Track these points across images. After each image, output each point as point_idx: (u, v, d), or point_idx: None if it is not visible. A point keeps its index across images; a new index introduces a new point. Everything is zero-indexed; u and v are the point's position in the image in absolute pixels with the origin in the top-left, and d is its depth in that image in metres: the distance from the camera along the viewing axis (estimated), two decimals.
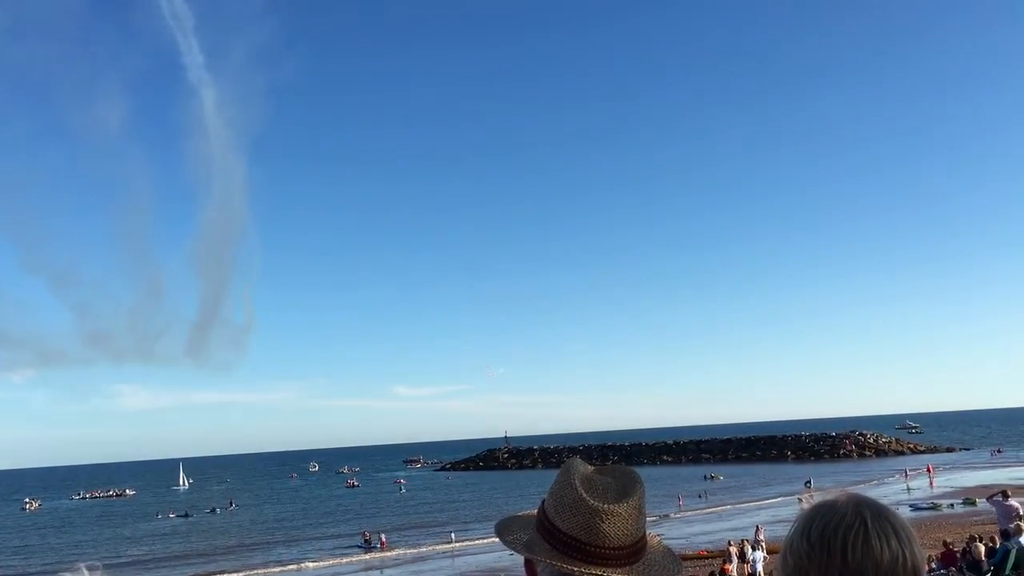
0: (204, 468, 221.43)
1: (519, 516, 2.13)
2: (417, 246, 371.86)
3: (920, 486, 67.39)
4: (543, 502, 2.04)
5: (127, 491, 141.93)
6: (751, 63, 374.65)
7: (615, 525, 1.91)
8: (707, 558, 37.10)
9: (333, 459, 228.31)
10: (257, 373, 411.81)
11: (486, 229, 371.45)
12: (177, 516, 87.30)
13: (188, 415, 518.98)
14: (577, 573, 1.90)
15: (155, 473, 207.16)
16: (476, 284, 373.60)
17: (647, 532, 2.06)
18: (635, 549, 1.95)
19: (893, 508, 1.55)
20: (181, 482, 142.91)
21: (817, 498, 1.59)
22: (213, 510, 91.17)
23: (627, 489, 1.97)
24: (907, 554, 1.46)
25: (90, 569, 1.92)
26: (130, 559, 54.96)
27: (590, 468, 2.05)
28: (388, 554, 50.32)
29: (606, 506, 1.91)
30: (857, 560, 1.44)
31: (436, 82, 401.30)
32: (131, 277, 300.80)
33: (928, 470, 73.74)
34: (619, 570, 1.91)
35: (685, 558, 38.74)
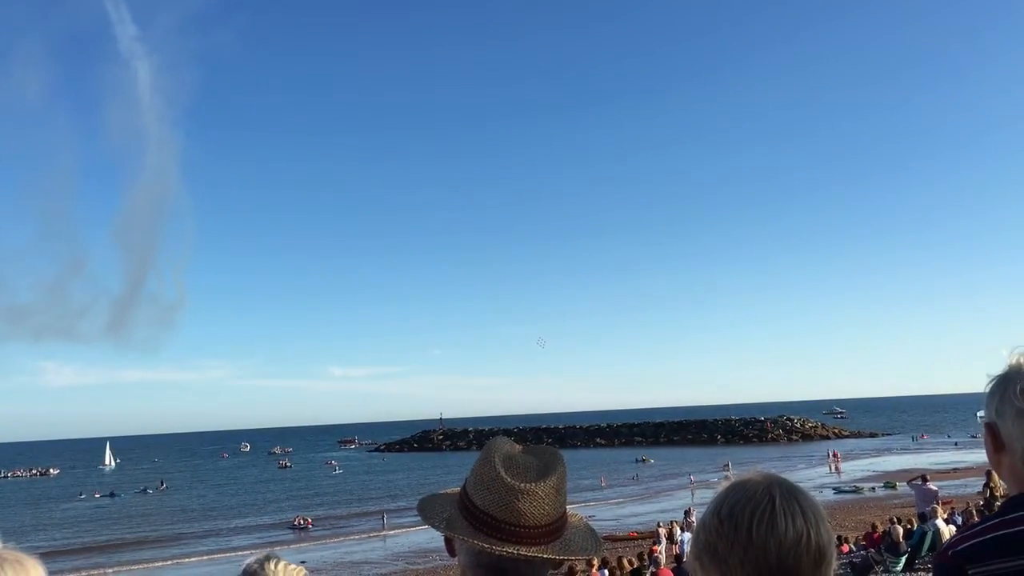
0: (132, 447, 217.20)
1: (442, 494, 2.10)
2: (355, 225, 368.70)
3: (834, 469, 69.37)
4: (465, 480, 2.02)
5: (51, 470, 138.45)
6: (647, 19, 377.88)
7: (532, 504, 1.89)
8: (637, 539, 37.60)
9: (265, 439, 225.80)
10: (188, 351, 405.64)
11: (425, 211, 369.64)
12: (103, 496, 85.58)
13: (115, 393, 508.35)
14: (493, 550, 1.88)
15: (80, 452, 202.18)
16: (414, 265, 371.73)
17: (568, 511, 2.05)
18: (553, 528, 1.93)
19: (806, 489, 1.56)
20: (107, 461, 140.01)
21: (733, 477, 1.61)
22: (144, 490, 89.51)
23: (547, 469, 1.95)
24: (812, 533, 1.48)
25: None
26: (50, 546, 53.27)
27: (515, 448, 2.02)
28: (318, 537, 50.02)
29: (523, 485, 1.90)
30: (761, 537, 1.47)
31: (380, 50, 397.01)
32: (53, 251, 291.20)
33: (834, 456, 75.69)
34: (535, 548, 1.89)
35: (615, 539, 39.25)
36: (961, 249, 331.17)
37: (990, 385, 1.96)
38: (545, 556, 1.89)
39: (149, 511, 69.39)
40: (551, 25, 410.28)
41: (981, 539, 1.85)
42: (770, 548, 1.46)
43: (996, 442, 1.95)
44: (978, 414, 2.13)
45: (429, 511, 2.04)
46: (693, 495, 52.93)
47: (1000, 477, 2.02)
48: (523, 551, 1.88)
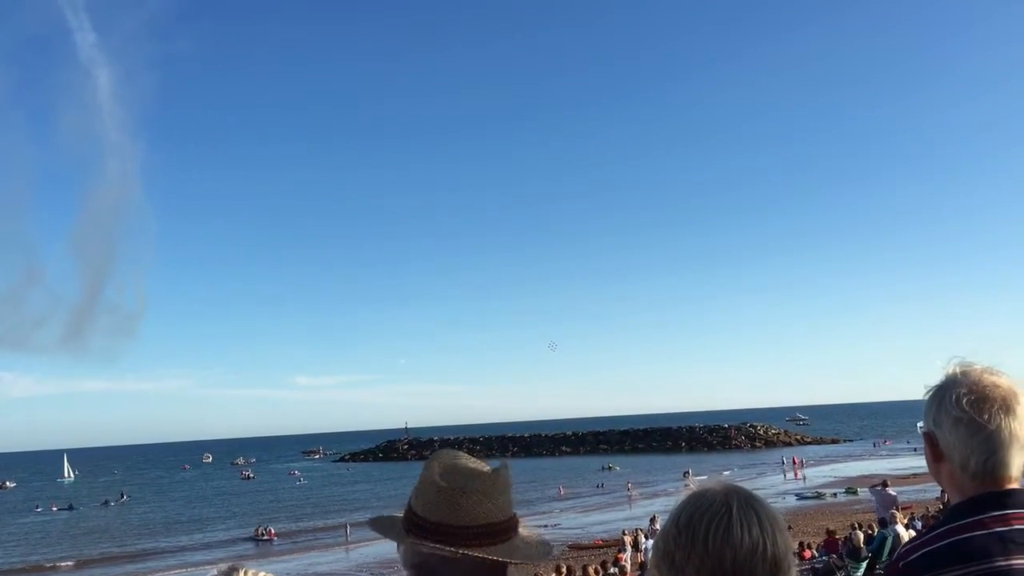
0: (92, 459, 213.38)
1: (396, 516, 2.10)
2: (319, 235, 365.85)
3: (800, 475, 70.09)
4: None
5: (7, 483, 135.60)
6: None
7: (457, 504, 1.91)
8: (603, 547, 37.68)
9: (228, 450, 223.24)
10: (150, 361, 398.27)
11: (390, 220, 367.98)
12: (61, 509, 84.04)
13: (74, 403, 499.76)
14: (422, 548, 1.90)
15: (38, 464, 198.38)
16: (379, 275, 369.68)
17: (524, 527, 2.05)
18: (491, 531, 1.92)
19: (765, 498, 1.58)
20: (66, 473, 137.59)
21: (695, 486, 1.63)
22: (105, 503, 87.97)
23: (484, 475, 1.96)
24: (767, 543, 1.49)
25: None
26: (7, 563, 52.14)
27: (461, 458, 2.04)
28: (282, 550, 49.52)
29: (455, 487, 1.92)
30: (717, 546, 1.48)
31: (345, 57, 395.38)
32: (9, 260, 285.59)
33: (794, 462, 76.37)
34: (476, 550, 1.89)
35: (581, 547, 39.36)
36: (924, 255, 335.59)
37: (927, 395, 1.99)
38: (474, 555, 1.88)
39: (109, 525, 68.16)
40: (523, 28, 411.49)
41: (928, 549, 1.87)
42: (725, 557, 1.47)
43: (935, 451, 1.98)
44: (918, 424, 2.16)
45: (380, 523, 2.07)
46: (683, 488, 53.12)
47: (941, 486, 2.05)
48: (453, 551, 1.88)
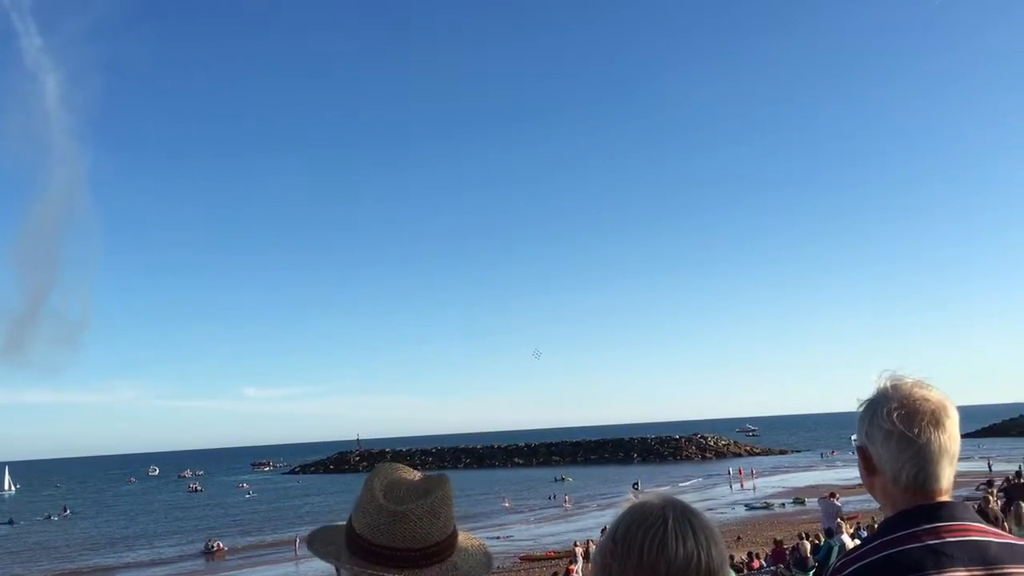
0: (33, 471, 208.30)
1: (333, 526, 2.07)
2: (269, 245, 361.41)
3: (748, 486, 70.85)
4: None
5: None
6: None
7: (407, 527, 1.87)
8: (554, 559, 37.68)
9: (176, 462, 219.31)
10: (95, 372, 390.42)
11: (339, 229, 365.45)
12: (0, 524, 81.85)
13: (16, 415, 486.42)
14: (368, 575, 1.86)
15: None
16: (330, 285, 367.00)
17: (467, 535, 2.03)
18: (431, 552, 1.89)
19: (701, 510, 1.58)
20: (6, 486, 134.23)
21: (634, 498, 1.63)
22: (48, 517, 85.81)
23: (426, 492, 1.92)
24: (701, 555, 1.50)
25: None
26: None
27: (401, 472, 2.00)
28: (230, 566, 48.73)
29: (398, 508, 1.87)
30: (651, 559, 1.49)
31: (295, 62, 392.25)
32: None
33: (740, 472, 77.18)
34: (416, 571, 1.86)
35: (532, 559, 39.34)
36: (873, 265, 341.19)
37: (860, 409, 2.01)
38: None
39: (51, 540, 66.42)
40: (497, 35, 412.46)
41: (862, 563, 1.87)
42: (660, 570, 1.48)
43: (868, 465, 2.00)
44: (852, 437, 2.18)
45: (317, 542, 2.01)
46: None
47: (874, 499, 2.06)
48: (397, 572, 1.85)
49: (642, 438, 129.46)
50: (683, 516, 1.54)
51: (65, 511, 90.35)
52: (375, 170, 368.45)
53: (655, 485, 65.65)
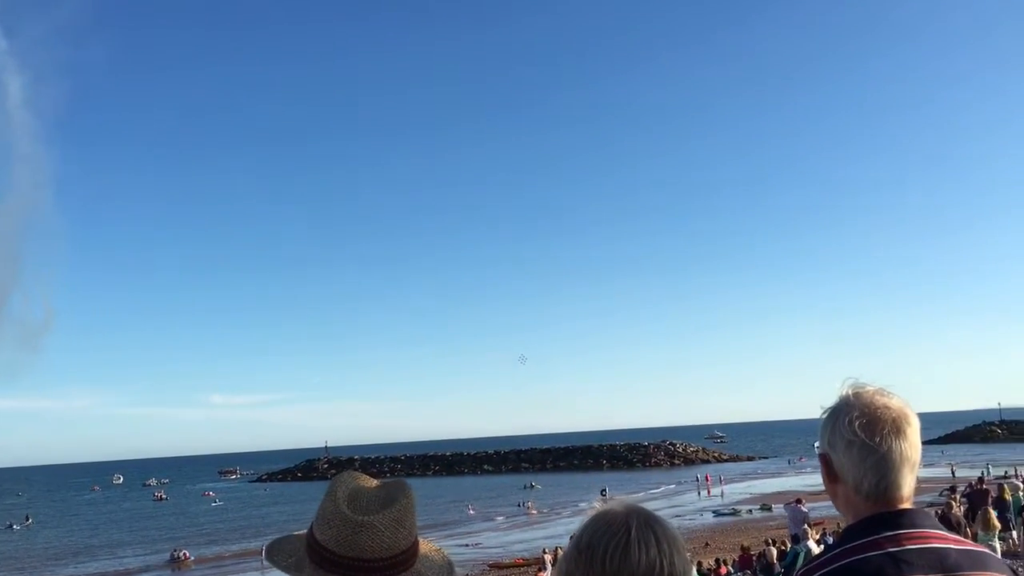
0: None
1: (293, 535, 2.05)
2: (235, 246, 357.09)
3: (715, 492, 71.23)
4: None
5: None
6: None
7: (372, 537, 1.85)
8: (523, 566, 37.69)
9: (140, 470, 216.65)
10: (57, 378, 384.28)
11: (305, 229, 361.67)
12: None
13: None
14: None
15: None
16: (295, 288, 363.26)
17: (430, 544, 2.03)
18: (396, 561, 1.89)
19: (665, 518, 1.60)
20: None
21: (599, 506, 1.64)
22: (9, 526, 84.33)
23: (389, 500, 1.91)
24: (664, 563, 1.51)
25: None
26: None
27: (363, 481, 1.99)
28: (195, 572, 48.23)
29: (362, 518, 1.86)
30: (614, 567, 1.50)
31: (260, 62, 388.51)
32: None
33: (707, 479, 77.62)
34: None
35: (501, 566, 39.29)
36: (835, 270, 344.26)
37: (823, 417, 2.03)
38: None
39: (12, 550, 65.29)
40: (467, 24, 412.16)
41: (824, 571, 1.89)
42: None
43: (830, 472, 2.02)
44: (815, 445, 2.20)
45: (276, 553, 1.99)
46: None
47: (836, 507, 2.08)
48: None
49: (611, 445, 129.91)
50: (646, 524, 1.55)
51: (27, 520, 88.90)
52: (353, 166, 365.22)
53: (625, 492, 65.69)
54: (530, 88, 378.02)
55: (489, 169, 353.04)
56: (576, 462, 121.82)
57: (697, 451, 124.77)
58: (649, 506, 1.66)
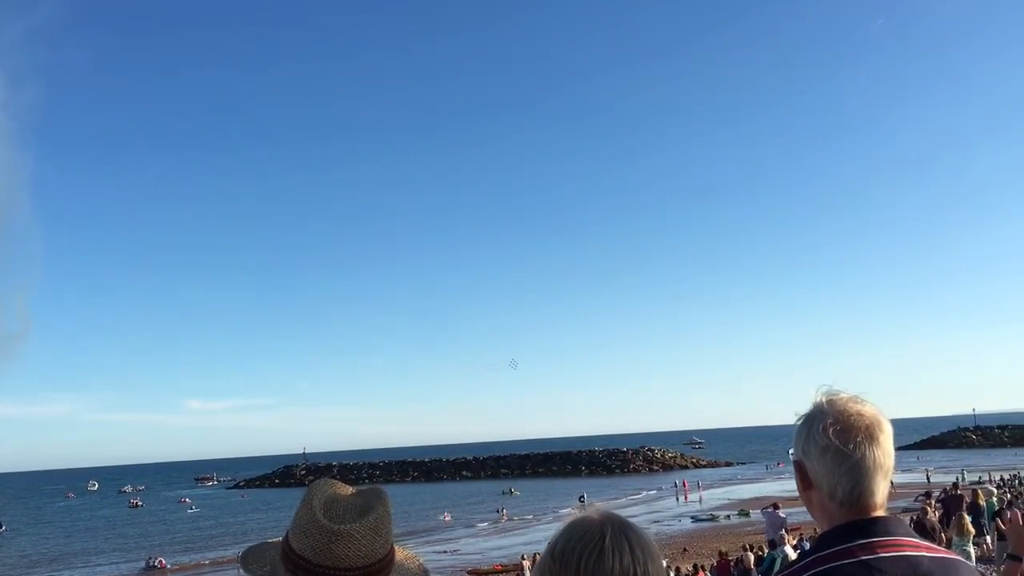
0: None
1: (268, 543, 2.05)
2: (214, 250, 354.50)
3: (693, 498, 71.49)
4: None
5: None
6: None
7: (348, 546, 1.85)
8: (502, 572, 37.65)
9: (116, 477, 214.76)
10: (32, 384, 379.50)
11: (286, 234, 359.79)
12: None
13: None
14: None
15: None
16: (273, 294, 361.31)
17: (404, 552, 2.03)
18: (373, 569, 1.88)
19: (639, 526, 1.60)
20: None
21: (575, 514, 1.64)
22: None
23: (365, 509, 1.91)
24: (638, 570, 1.51)
25: None
26: None
27: (339, 489, 1.98)
28: None
29: (338, 527, 1.85)
30: (588, 574, 1.51)
31: (244, 63, 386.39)
32: None
33: (684, 485, 77.90)
34: None
35: (480, 573, 39.22)
36: (817, 280, 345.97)
37: (797, 423, 2.04)
38: None
39: None
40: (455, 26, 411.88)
41: None
42: None
43: (804, 479, 2.02)
44: (789, 451, 2.21)
45: (251, 560, 1.98)
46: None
47: (810, 513, 2.08)
48: None
49: (590, 451, 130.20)
50: (620, 532, 1.55)
51: (1, 527, 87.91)
52: (325, 169, 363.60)
53: (604, 498, 65.89)
54: (529, 88, 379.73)
55: (488, 168, 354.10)
56: (555, 468, 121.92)
57: (675, 457, 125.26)
58: (628, 512, 1.67)
